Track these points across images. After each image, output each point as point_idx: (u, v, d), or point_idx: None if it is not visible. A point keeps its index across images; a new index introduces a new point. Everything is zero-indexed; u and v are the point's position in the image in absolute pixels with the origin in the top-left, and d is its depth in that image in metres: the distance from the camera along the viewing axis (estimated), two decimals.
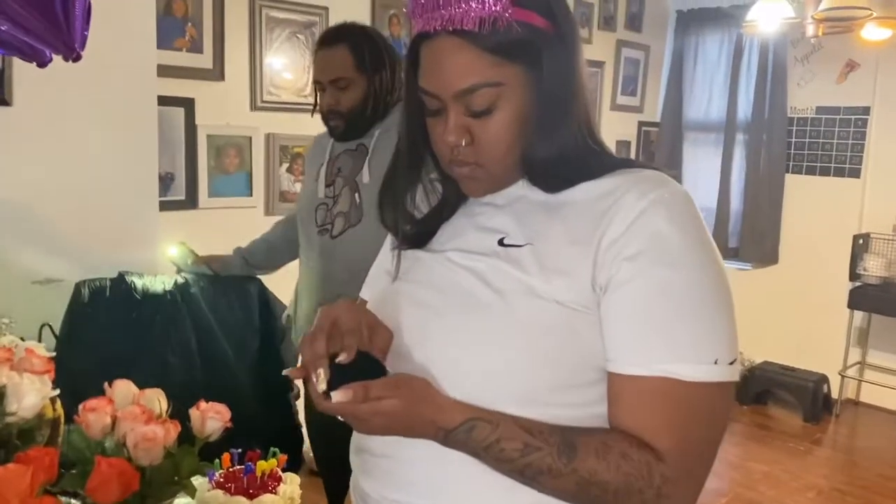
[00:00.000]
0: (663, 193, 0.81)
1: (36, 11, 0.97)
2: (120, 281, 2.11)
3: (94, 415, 1.04)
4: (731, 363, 0.80)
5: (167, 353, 2.07)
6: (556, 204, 0.87)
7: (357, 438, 0.96)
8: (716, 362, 0.78)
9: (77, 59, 1.01)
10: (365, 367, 0.81)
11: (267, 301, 2.28)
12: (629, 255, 0.79)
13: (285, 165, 3.28)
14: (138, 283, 2.13)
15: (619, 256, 0.79)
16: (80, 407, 1.06)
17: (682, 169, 4.99)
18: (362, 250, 1.87)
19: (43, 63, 1.09)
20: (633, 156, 5.02)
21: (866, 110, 4.38)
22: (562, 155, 0.85)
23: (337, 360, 0.78)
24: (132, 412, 1.07)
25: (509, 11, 0.79)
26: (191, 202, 3.00)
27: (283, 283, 2.33)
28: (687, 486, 0.80)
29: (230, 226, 3.12)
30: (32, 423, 1.05)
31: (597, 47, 4.61)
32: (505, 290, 0.83)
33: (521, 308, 0.82)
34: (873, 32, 2.87)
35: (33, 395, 0.99)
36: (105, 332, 1.98)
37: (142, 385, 1.20)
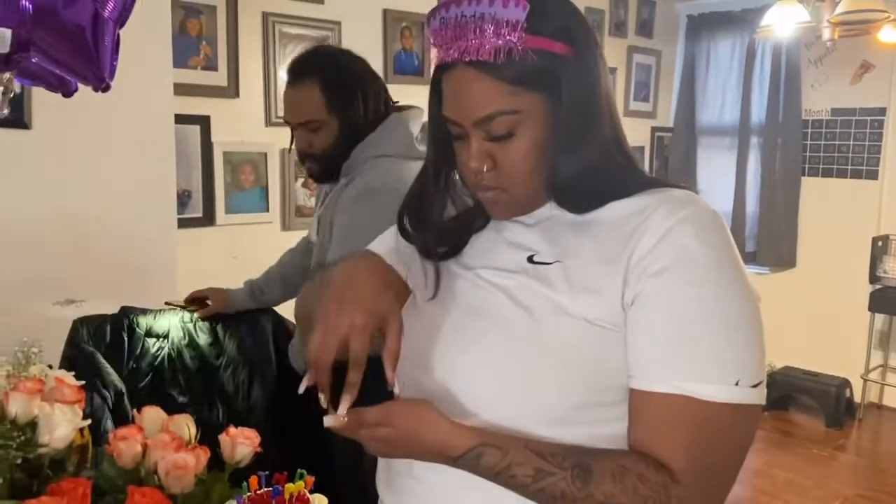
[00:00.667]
0: (692, 212, 0.81)
1: (67, 44, 0.97)
2: (121, 317, 2.06)
3: (125, 443, 1.04)
4: (755, 386, 0.78)
5: (174, 389, 2.05)
6: (585, 223, 0.86)
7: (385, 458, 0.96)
8: (737, 384, 0.77)
9: (106, 89, 1.01)
10: (372, 370, 0.81)
11: (280, 331, 2.24)
12: (655, 271, 0.78)
13: (300, 180, 3.29)
14: (141, 320, 2.09)
15: (646, 273, 0.79)
16: (111, 435, 1.05)
17: (696, 173, 4.97)
18: None
19: (69, 93, 1.09)
20: (647, 161, 5.00)
21: (882, 111, 4.35)
22: (587, 176, 0.85)
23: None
24: (162, 440, 1.07)
25: (524, 41, 0.79)
26: (208, 219, 3.01)
27: (290, 313, 2.30)
28: None
29: (247, 242, 3.14)
30: (63, 452, 1.04)
31: (608, 54, 4.60)
32: (533, 307, 0.83)
33: (550, 326, 0.81)
34: (890, 34, 2.85)
35: (65, 425, 0.99)
36: (107, 370, 1.88)
37: None
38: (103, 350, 2.01)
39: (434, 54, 0.87)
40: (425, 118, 1.00)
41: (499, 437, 0.79)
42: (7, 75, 1.00)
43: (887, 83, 4.30)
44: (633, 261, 0.80)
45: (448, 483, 0.85)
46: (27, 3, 0.98)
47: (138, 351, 2.08)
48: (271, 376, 2.23)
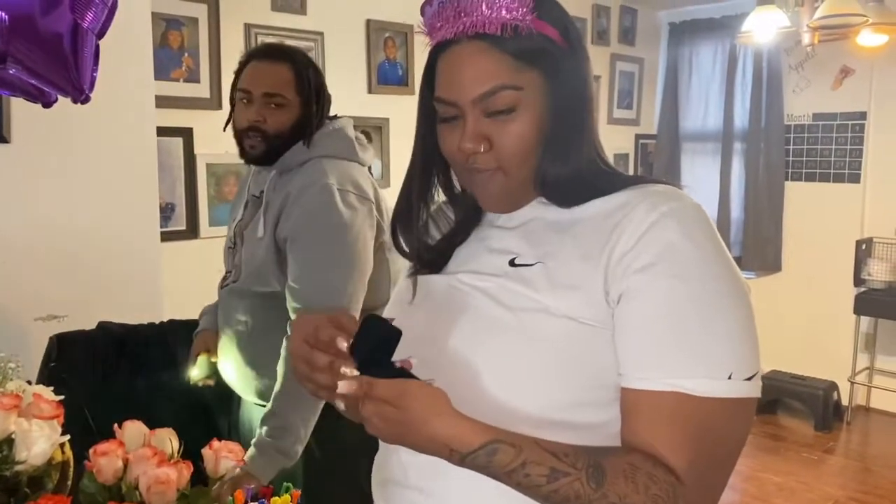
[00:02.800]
0: (675, 206, 0.80)
1: (45, 54, 0.96)
2: (98, 332, 2.04)
3: (106, 459, 1.02)
4: (749, 378, 0.77)
5: (153, 404, 2.02)
6: (568, 223, 0.86)
7: (381, 470, 0.94)
8: (730, 377, 0.76)
9: (86, 101, 1.00)
10: (385, 330, 0.77)
11: None
12: (640, 266, 0.78)
13: None
14: (119, 333, 2.06)
15: (630, 269, 0.78)
16: (91, 451, 1.04)
17: (680, 180, 4.99)
18: (241, 312, 1.76)
19: (48, 103, 1.08)
20: (631, 168, 5.02)
21: (863, 115, 4.39)
22: (577, 169, 0.85)
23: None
24: (143, 454, 1.05)
25: (529, 19, 0.81)
26: (192, 232, 2.99)
27: None
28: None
29: None
30: (42, 469, 1.02)
31: (591, 62, 4.61)
32: (516, 308, 0.82)
33: (533, 326, 0.81)
34: (869, 38, 2.87)
35: (43, 441, 0.97)
36: (83, 387, 1.86)
37: None
38: (80, 365, 1.98)
39: (427, 41, 0.87)
40: None
41: (512, 435, 0.76)
42: None
43: (867, 87, 4.34)
44: (614, 257, 0.79)
45: (454, 494, 0.83)
46: (3, 14, 0.97)
47: (116, 366, 2.06)
48: None
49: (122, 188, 2.32)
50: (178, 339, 2.14)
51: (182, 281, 2.74)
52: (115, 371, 2.01)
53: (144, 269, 2.41)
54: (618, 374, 0.79)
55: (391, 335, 0.76)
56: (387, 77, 3.58)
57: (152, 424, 1.95)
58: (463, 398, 0.80)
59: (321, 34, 3.31)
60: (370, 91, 3.53)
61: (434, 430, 0.75)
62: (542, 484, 0.74)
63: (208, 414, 2.09)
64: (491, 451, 0.75)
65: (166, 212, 2.89)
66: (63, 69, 1.00)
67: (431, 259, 0.94)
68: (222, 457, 1.10)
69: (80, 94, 1.03)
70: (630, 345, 0.78)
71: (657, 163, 5.06)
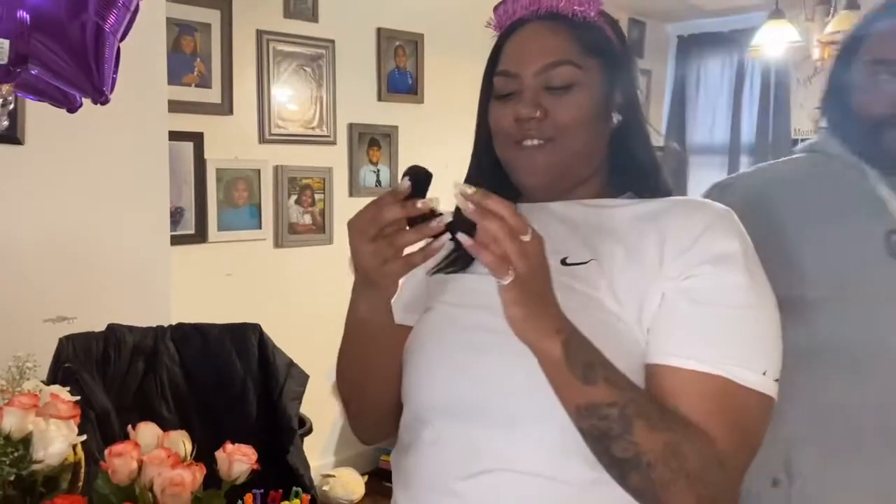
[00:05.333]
0: (719, 212, 0.85)
1: (67, 55, 0.96)
2: (107, 335, 2.05)
3: (121, 460, 1.02)
4: (777, 381, 0.81)
5: (161, 406, 2.03)
6: (612, 226, 0.88)
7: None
8: (764, 373, 0.79)
9: (105, 102, 1.00)
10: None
11: (266, 348, 2.22)
12: (698, 261, 0.81)
13: (294, 197, 3.28)
14: (128, 337, 2.07)
15: (690, 263, 0.81)
16: (106, 452, 1.03)
17: (686, 193, 4.98)
18: None
19: (74, 108, 1.08)
20: None
21: None
22: (643, 161, 0.91)
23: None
24: (158, 456, 1.04)
25: (595, 16, 0.89)
26: (200, 236, 3.00)
27: (288, 329, 2.29)
28: (733, 494, 0.80)
29: (240, 259, 3.13)
30: (57, 469, 1.02)
31: None
32: (575, 308, 0.79)
33: (585, 322, 0.79)
34: None
35: (60, 441, 0.97)
36: (93, 389, 1.88)
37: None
38: (89, 368, 1.99)
39: (503, 20, 0.93)
40: None
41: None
42: (6, 87, 0.99)
43: None
44: (668, 256, 0.82)
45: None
46: (25, 14, 0.98)
47: (125, 369, 2.07)
48: (259, 391, 2.22)
49: (134, 191, 2.33)
50: (186, 342, 2.15)
51: (189, 285, 2.75)
52: (126, 373, 2.02)
53: (153, 273, 2.41)
54: (651, 353, 0.81)
55: (427, 173, 0.78)
56: (396, 85, 3.60)
57: (160, 426, 1.98)
58: (504, 393, 0.82)
59: (332, 42, 3.33)
60: (380, 99, 3.54)
61: (554, 294, 0.76)
62: (625, 388, 0.75)
63: (216, 415, 2.09)
64: (588, 342, 0.76)
65: (175, 216, 2.89)
66: (84, 70, 1.01)
67: (459, 256, 0.92)
68: (235, 460, 1.10)
69: (100, 96, 1.03)
70: (681, 326, 0.80)
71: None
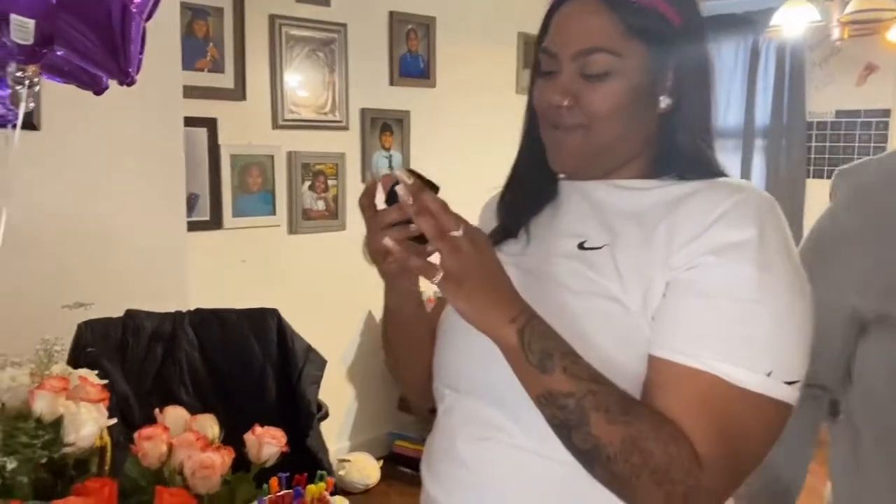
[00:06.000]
0: (747, 196, 0.80)
1: (93, 35, 0.95)
2: (125, 320, 2.06)
3: (150, 443, 1.02)
4: (790, 383, 0.75)
5: (180, 391, 2.04)
6: (638, 208, 0.85)
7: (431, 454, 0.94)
8: (769, 374, 0.74)
9: (131, 83, 1.00)
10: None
11: (284, 333, 2.23)
12: (704, 251, 0.77)
13: (307, 183, 3.27)
14: (146, 322, 2.08)
15: (694, 253, 0.77)
16: (136, 435, 1.03)
17: None
18: None
19: (100, 90, 1.08)
20: None
21: (887, 112, 4.34)
22: (685, 144, 0.87)
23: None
24: (187, 439, 1.04)
25: None
26: (215, 222, 2.99)
27: (303, 315, 2.28)
28: (713, 498, 0.76)
29: (255, 245, 3.12)
30: (87, 452, 1.02)
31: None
32: (581, 292, 0.82)
33: (589, 308, 0.80)
34: None
35: (91, 424, 0.97)
36: (112, 374, 1.90)
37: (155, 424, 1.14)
38: (108, 353, 1.99)
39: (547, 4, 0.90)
40: None
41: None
42: (32, 68, 0.98)
43: (892, 85, 4.29)
44: (677, 243, 0.78)
45: (497, 473, 0.83)
46: None
47: (143, 354, 2.07)
48: (277, 375, 2.22)
49: (150, 177, 2.33)
50: (205, 327, 2.15)
51: (205, 271, 2.75)
52: (144, 358, 2.03)
53: (171, 258, 2.41)
54: (651, 344, 0.78)
55: (432, 185, 0.76)
56: (409, 69, 3.57)
57: (182, 408, 1.98)
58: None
59: (344, 26, 3.31)
60: (392, 83, 3.52)
61: (506, 283, 0.76)
62: (584, 379, 0.73)
63: (235, 400, 2.09)
64: (532, 328, 0.75)
65: (190, 202, 2.88)
66: (111, 51, 1.00)
67: (503, 231, 0.94)
68: (265, 442, 1.09)
69: (126, 77, 1.02)
70: (676, 318, 0.77)
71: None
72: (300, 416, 2.14)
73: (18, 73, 0.99)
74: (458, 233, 0.73)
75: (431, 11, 3.61)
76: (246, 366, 2.15)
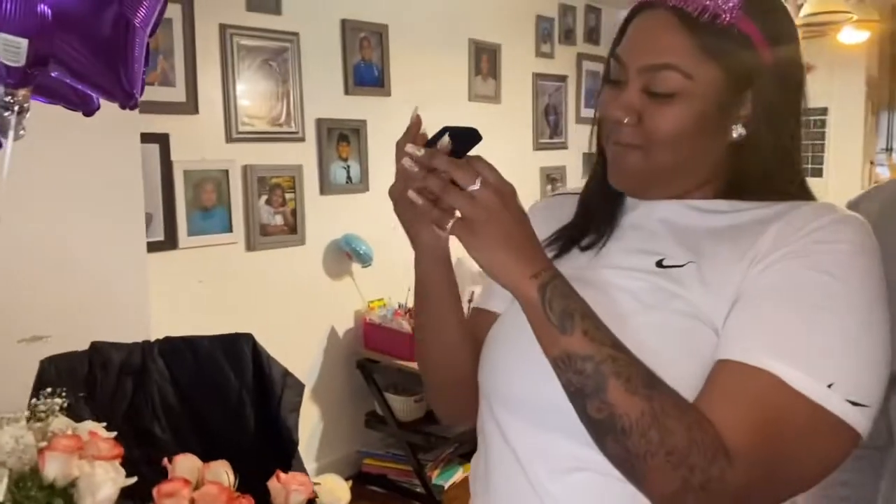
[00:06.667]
0: (845, 216, 0.76)
1: (92, 55, 0.86)
2: (92, 354, 1.92)
3: (172, 500, 0.93)
4: (855, 404, 0.70)
5: (154, 426, 1.92)
6: (720, 229, 0.81)
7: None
8: (830, 386, 0.69)
9: (134, 106, 0.90)
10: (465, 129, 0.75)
11: (260, 359, 2.12)
12: (783, 253, 0.74)
13: (264, 197, 3.15)
14: (113, 354, 1.95)
15: (773, 255, 0.74)
16: (154, 492, 0.94)
17: None
18: None
19: (90, 111, 0.98)
20: None
21: (824, 111, 4.49)
22: (760, 177, 0.82)
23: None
24: (210, 493, 0.96)
25: (734, 16, 0.77)
26: (170, 242, 2.85)
27: (264, 334, 2.18)
28: (738, 498, 0.69)
29: (212, 264, 2.99)
30: None
31: (559, 62, 4.62)
32: (655, 307, 0.77)
33: (667, 325, 0.76)
34: (851, 35, 2.92)
35: (108, 485, 0.87)
36: (80, 411, 1.77)
37: (132, 463, 1.05)
38: (75, 391, 1.86)
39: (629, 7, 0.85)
40: None
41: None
42: (23, 92, 0.88)
43: (828, 84, 4.44)
44: (761, 253, 0.75)
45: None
46: (46, 9, 0.87)
47: (113, 389, 1.94)
48: (255, 403, 2.11)
49: (106, 199, 2.19)
50: (176, 357, 2.03)
51: (161, 294, 2.61)
52: (114, 393, 1.90)
53: (130, 284, 2.27)
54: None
55: (472, 134, 0.74)
56: (363, 78, 3.49)
57: (154, 447, 1.86)
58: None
59: (296, 34, 3.20)
60: (347, 93, 3.43)
61: (530, 238, 0.74)
62: (606, 344, 0.70)
63: (213, 431, 1.98)
64: (556, 284, 0.73)
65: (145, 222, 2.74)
66: (112, 71, 0.91)
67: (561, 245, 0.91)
68: (293, 490, 1.01)
69: (130, 99, 0.93)
70: (743, 317, 0.73)
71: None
72: (282, 445, 2.04)
73: (7, 98, 0.88)
74: (474, 187, 0.72)
75: (384, 19, 3.54)
76: (222, 396, 2.03)
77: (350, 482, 3.36)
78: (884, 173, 5.10)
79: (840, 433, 0.70)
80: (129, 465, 1.00)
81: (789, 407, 0.69)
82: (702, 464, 0.67)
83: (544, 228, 0.93)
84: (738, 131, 0.81)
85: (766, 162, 0.81)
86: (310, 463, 3.36)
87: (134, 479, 0.93)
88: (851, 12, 2.59)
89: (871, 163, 5.01)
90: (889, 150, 5.69)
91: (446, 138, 0.74)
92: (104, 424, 1.00)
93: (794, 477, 0.71)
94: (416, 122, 0.78)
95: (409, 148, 0.74)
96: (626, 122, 0.80)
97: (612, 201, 0.89)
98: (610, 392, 0.68)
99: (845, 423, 0.70)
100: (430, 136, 0.76)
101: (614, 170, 0.85)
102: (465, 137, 0.74)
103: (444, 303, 0.91)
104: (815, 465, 0.72)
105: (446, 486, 3.39)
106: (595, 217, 0.90)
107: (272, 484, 1.03)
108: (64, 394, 0.94)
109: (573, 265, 0.87)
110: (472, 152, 0.75)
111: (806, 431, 0.70)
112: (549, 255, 0.89)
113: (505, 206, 0.72)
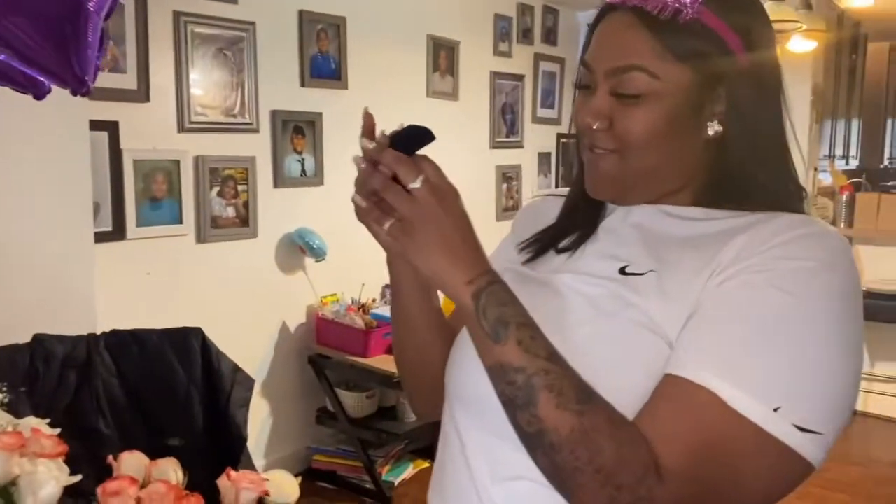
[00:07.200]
0: (817, 230, 0.73)
1: (41, 38, 0.83)
2: (34, 346, 1.87)
3: (118, 499, 0.90)
4: (805, 430, 0.66)
5: (98, 421, 1.88)
6: (691, 237, 0.80)
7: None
8: (776, 410, 0.66)
9: (87, 93, 0.87)
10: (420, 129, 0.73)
11: (209, 354, 2.08)
12: (744, 266, 0.71)
13: (216, 189, 3.10)
14: (57, 347, 1.89)
15: (733, 268, 0.71)
16: (99, 491, 0.91)
17: None
18: None
19: (40, 95, 0.94)
20: (553, 167, 5.07)
21: None
22: (740, 175, 0.80)
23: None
24: (158, 491, 0.93)
25: (696, 10, 0.75)
26: (118, 233, 2.78)
27: (213, 327, 2.14)
28: None
29: (161, 256, 2.93)
30: None
31: (517, 61, 4.64)
32: (614, 314, 0.76)
33: (623, 333, 0.75)
34: (800, 44, 2.99)
35: (52, 484, 0.84)
36: (20, 406, 1.72)
37: (75, 460, 1.02)
38: (14, 384, 1.80)
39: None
40: None
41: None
42: None
43: None
44: (722, 264, 0.73)
45: None
46: None
47: (55, 382, 1.89)
48: (204, 399, 2.08)
49: (52, 187, 2.12)
50: (123, 351, 1.98)
51: (108, 285, 2.55)
52: (57, 387, 1.84)
53: (76, 276, 2.21)
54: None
55: (425, 133, 0.73)
56: (320, 70, 3.45)
57: (98, 442, 1.81)
58: None
59: (253, 24, 3.15)
60: (303, 84, 3.39)
61: (469, 242, 0.72)
62: (541, 356, 0.68)
63: (160, 427, 1.94)
64: (493, 290, 0.71)
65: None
66: (63, 55, 0.88)
67: (540, 247, 0.90)
68: (243, 488, 1.00)
69: (82, 86, 0.90)
70: (695, 332, 0.71)
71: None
72: (230, 442, 2.01)
73: None
74: (415, 185, 0.70)
75: (342, 11, 3.50)
76: (169, 391, 1.99)
77: (299, 478, 3.33)
78: (826, 179, 5.25)
79: (784, 457, 0.67)
80: (71, 463, 0.97)
81: (730, 428, 0.67)
82: (630, 482, 0.66)
83: (529, 229, 0.93)
84: (713, 129, 0.79)
85: (744, 160, 0.79)
86: (258, 459, 3.32)
87: (78, 478, 0.90)
88: (800, 21, 2.66)
89: (815, 169, 5.16)
90: (832, 156, 5.87)
91: (383, 130, 0.73)
92: (47, 421, 0.96)
93: (732, 500, 0.69)
94: (368, 120, 0.76)
95: (363, 141, 0.73)
96: (596, 127, 0.79)
97: (595, 204, 0.88)
98: (541, 406, 0.67)
99: (791, 449, 0.67)
100: (387, 133, 0.75)
101: (590, 177, 0.84)
102: (417, 136, 0.73)
103: (414, 302, 0.90)
104: (757, 490, 0.69)
105: (396, 483, 3.39)
106: (576, 219, 0.89)
107: (222, 482, 1.01)
108: (4, 388, 0.90)
109: (546, 268, 0.87)
110: (426, 153, 0.74)
111: (748, 454, 0.67)
112: (526, 256, 0.91)
113: (444, 207, 0.71)
